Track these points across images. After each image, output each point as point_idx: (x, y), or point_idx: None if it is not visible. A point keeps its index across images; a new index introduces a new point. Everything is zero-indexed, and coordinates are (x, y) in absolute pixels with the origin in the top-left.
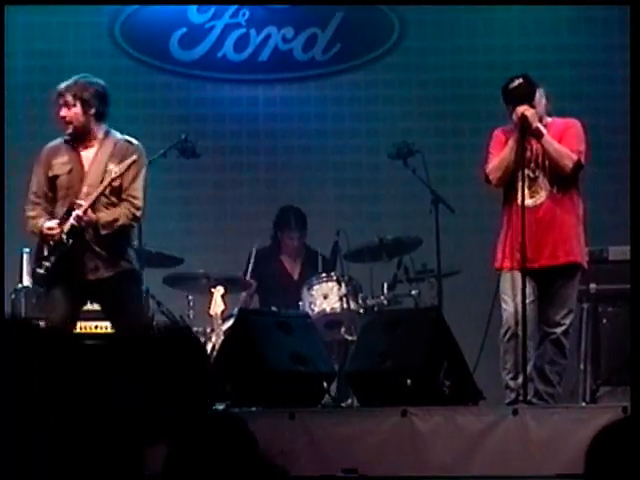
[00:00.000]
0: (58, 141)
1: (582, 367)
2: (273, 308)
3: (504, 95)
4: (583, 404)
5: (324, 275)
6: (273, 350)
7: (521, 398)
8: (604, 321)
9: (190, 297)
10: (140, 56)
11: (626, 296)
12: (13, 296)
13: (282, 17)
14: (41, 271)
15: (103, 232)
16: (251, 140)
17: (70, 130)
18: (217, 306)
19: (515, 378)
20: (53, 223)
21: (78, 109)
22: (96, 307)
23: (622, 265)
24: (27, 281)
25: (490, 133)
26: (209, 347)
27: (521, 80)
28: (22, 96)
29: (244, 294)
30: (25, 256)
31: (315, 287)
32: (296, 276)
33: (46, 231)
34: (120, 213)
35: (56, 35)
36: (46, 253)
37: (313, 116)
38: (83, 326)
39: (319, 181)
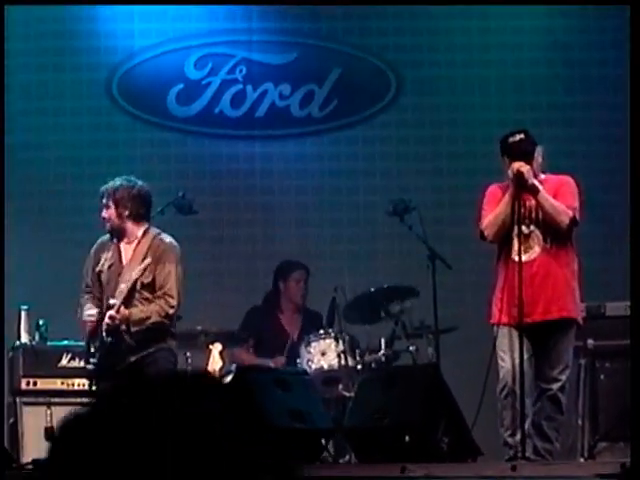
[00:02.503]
0: (108, 236)
1: (580, 423)
2: (271, 364)
3: (502, 147)
4: (581, 460)
5: (322, 332)
6: (271, 407)
7: (519, 454)
8: (602, 377)
9: (188, 354)
10: (138, 112)
11: (624, 352)
12: (11, 353)
13: (279, 73)
14: (90, 367)
15: (134, 329)
16: (248, 196)
17: (108, 228)
18: (215, 363)
19: (513, 434)
20: (93, 311)
21: (112, 210)
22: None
23: (619, 321)
24: (25, 338)
25: (484, 189)
26: None
27: (522, 136)
28: (19, 155)
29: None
30: (23, 313)
31: (313, 344)
32: (295, 336)
33: (86, 318)
34: (152, 311)
35: (52, 93)
36: (92, 350)
37: (310, 172)
38: (71, 382)
39: (316, 238)
